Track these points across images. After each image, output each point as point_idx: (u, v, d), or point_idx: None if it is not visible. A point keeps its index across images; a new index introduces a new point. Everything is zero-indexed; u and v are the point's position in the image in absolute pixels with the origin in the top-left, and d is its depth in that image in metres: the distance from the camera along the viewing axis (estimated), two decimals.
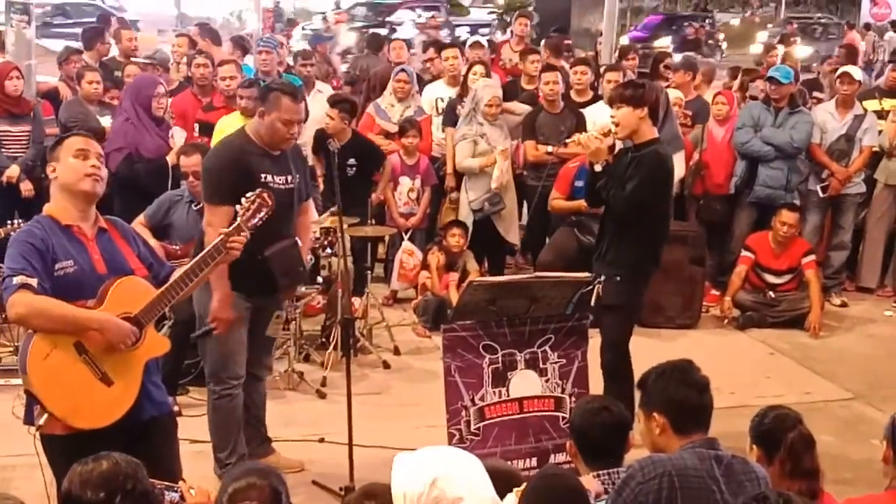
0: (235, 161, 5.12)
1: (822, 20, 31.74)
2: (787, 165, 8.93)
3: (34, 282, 3.81)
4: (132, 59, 10.39)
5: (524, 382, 5.43)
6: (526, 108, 9.24)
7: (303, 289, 7.12)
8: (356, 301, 7.72)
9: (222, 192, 4.67)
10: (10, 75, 8.45)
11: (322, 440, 6.04)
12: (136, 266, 4.13)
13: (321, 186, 8.71)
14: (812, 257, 8.61)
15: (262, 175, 5.11)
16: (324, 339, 7.56)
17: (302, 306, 7.27)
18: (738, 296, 8.62)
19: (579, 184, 7.74)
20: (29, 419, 4.01)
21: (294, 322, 7.20)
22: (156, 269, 4.25)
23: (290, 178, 5.29)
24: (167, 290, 4.07)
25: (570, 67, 9.82)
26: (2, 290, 3.85)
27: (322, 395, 6.81)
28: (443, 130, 9.21)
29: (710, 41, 29.48)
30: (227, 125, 7.87)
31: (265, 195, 4.34)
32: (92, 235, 4.06)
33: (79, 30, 11.91)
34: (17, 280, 3.80)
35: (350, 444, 5.33)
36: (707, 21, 33.29)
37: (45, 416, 3.88)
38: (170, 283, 4.09)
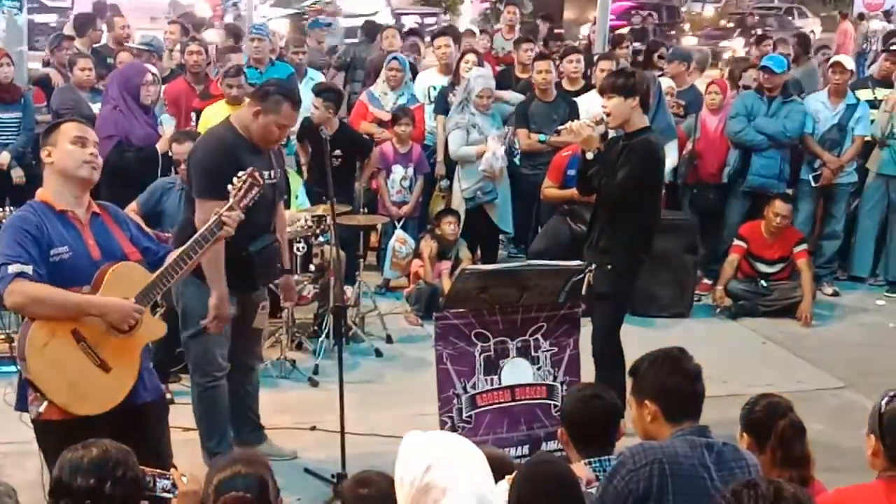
0: (229, 156, 5.06)
1: (767, 10, 31.38)
2: (780, 155, 8.96)
3: (30, 269, 3.81)
4: (125, 45, 10.36)
5: (516, 370, 5.43)
6: (519, 97, 9.24)
7: (295, 277, 7.12)
8: (348, 289, 7.72)
9: (218, 187, 4.66)
10: (1, 62, 8.41)
11: (314, 428, 6.05)
12: (129, 250, 4.13)
13: (305, 174, 8.69)
14: (804, 246, 8.63)
15: None
16: (316, 328, 7.56)
17: (296, 295, 7.25)
18: (731, 285, 8.64)
19: (572, 172, 7.73)
20: (21, 406, 4.01)
21: (286, 310, 7.19)
22: (153, 250, 4.25)
23: (273, 173, 5.29)
24: (163, 273, 4.08)
25: (562, 56, 9.80)
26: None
27: (314, 383, 6.81)
28: (434, 119, 9.20)
29: (671, 31, 29.33)
30: (214, 114, 7.83)
31: (256, 174, 4.35)
32: (86, 221, 4.06)
33: None
34: (12, 269, 3.80)
35: (342, 432, 5.32)
36: (662, 10, 32.75)
37: (45, 403, 3.88)
38: (165, 266, 4.10)
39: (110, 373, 3.98)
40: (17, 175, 8.29)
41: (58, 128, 4.11)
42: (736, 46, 11.96)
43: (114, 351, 3.99)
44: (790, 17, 31.28)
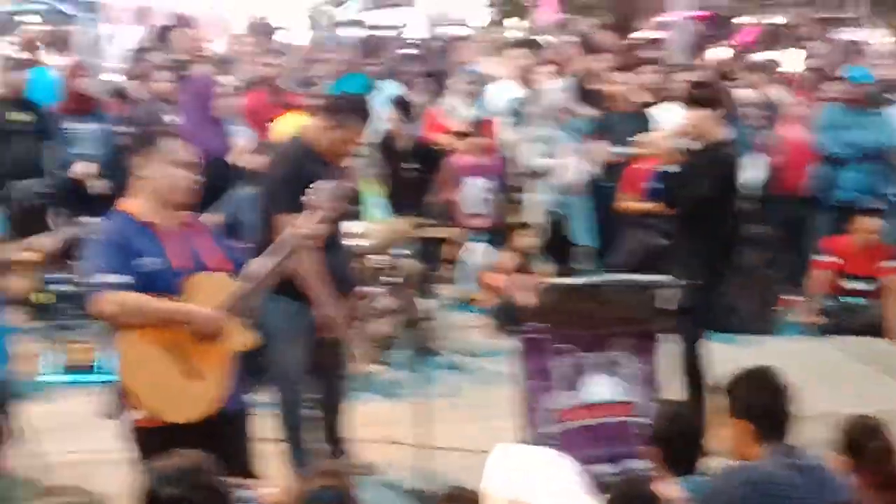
0: (301, 170, 5.08)
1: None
2: (868, 168, 8.75)
3: (119, 279, 3.87)
4: (199, 57, 10.45)
5: (598, 387, 5.36)
6: (595, 111, 9.17)
7: (372, 290, 7.12)
8: (426, 302, 7.69)
9: (294, 201, 4.69)
10: (79, 74, 8.55)
11: (392, 442, 6.01)
12: (216, 261, 4.16)
13: (382, 186, 8.70)
14: (894, 263, 8.39)
15: None
16: (394, 340, 7.53)
17: (373, 308, 7.25)
18: (818, 301, 8.42)
19: (651, 185, 7.65)
20: (115, 414, 4.07)
21: (365, 323, 7.18)
22: (236, 260, 4.28)
23: (340, 184, 5.31)
24: (247, 284, 4.10)
25: (637, 68, 9.72)
26: (87, 288, 3.91)
27: (392, 397, 6.77)
28: (510, 131, 9.16)
29: (719, 43, 28.76)
30: (288, 125, 7.84)
31: (336, 186, 4.41)
32: (172, 232, 4.09)
33: None
34: (103, 279, 3.88)
35: (421, 447, 5.30)
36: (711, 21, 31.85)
37: (138, 411, 3.92)
38: (249, 277, 4.12)
39: (201, 381, 4.02)
40: (101, 186, 8.31)
41: (159, 144, 4.15)
42: (786, 58, 11.71)
43: (203, 359, 4.03)
44: (840, 27, 30.47)
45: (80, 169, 8.33)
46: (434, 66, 12.02)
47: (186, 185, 4.11)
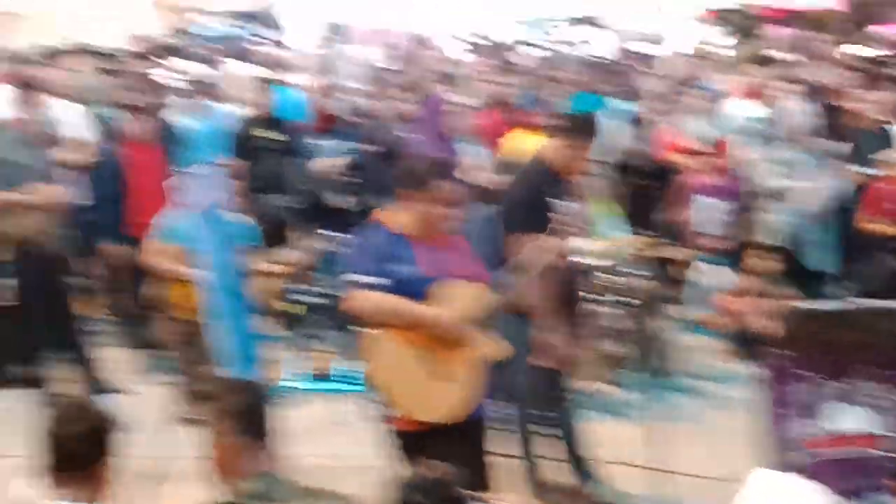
0: (544, 191, 5.19)
1: None
2: None
3: (375, 281, 4.10)
4: (434, 75, 10.67)
5: (845, 417, 5.13)
6: (836, 131, 8.82)
7: (606, 308, 7.06)
8: (658, 323, 7.58)
9: (534, 223, 4.76)
10: (325, 93, 8.88)
11: (623, 463, 5.93)
12: (467, 272, 4.28)
13: (618, 204, 8.64)
14: None
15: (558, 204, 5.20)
16: (626, 361, 7.45)
17: (605, 327, 7.19)
18: None
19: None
20: (379, 417, 4.22)
21: (596, 342, 7.13)
22: (483, 275, 4.39)
23: (570, 202, 5.33)
24: (496, 296, 4.26)
25: (881, 84, 9.27)
26: (342, 289, 4.14)
27: (623, 417, 6.70)
28: (748, 150, 8.92)
29: None
30: (519, 143, 7.90)
31: (575, 208, 4.42)
32: (426, 244, 4.24)
33: None
34: (359, 279, 4.11)
35: (653, 469, 5.21)
36: None
37: (395, 410, 4.11)
38: (497, 290, 4.22)
39: (451, 383, 4.12)
40: (343, 200, 8.56)
41: (433, 183, 4.31)
42: None
43: (452, 364, 4.15)
44: None
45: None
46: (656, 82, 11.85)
47: (448, 222, 4.33)
